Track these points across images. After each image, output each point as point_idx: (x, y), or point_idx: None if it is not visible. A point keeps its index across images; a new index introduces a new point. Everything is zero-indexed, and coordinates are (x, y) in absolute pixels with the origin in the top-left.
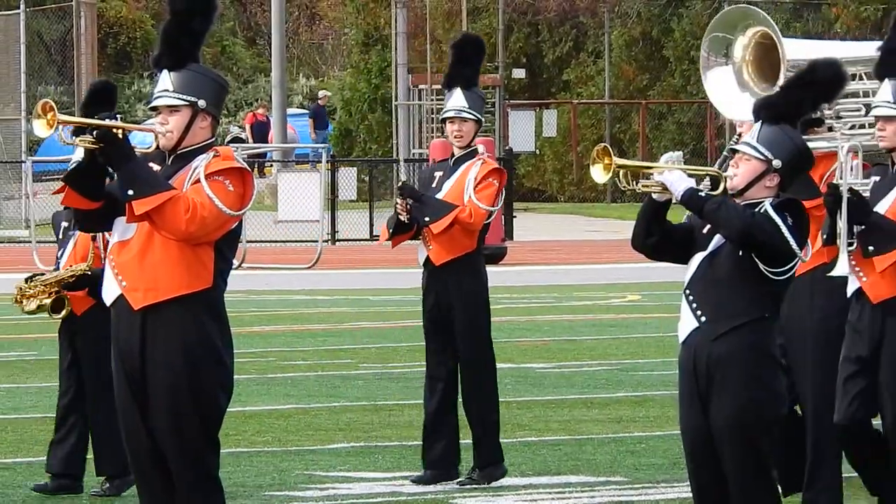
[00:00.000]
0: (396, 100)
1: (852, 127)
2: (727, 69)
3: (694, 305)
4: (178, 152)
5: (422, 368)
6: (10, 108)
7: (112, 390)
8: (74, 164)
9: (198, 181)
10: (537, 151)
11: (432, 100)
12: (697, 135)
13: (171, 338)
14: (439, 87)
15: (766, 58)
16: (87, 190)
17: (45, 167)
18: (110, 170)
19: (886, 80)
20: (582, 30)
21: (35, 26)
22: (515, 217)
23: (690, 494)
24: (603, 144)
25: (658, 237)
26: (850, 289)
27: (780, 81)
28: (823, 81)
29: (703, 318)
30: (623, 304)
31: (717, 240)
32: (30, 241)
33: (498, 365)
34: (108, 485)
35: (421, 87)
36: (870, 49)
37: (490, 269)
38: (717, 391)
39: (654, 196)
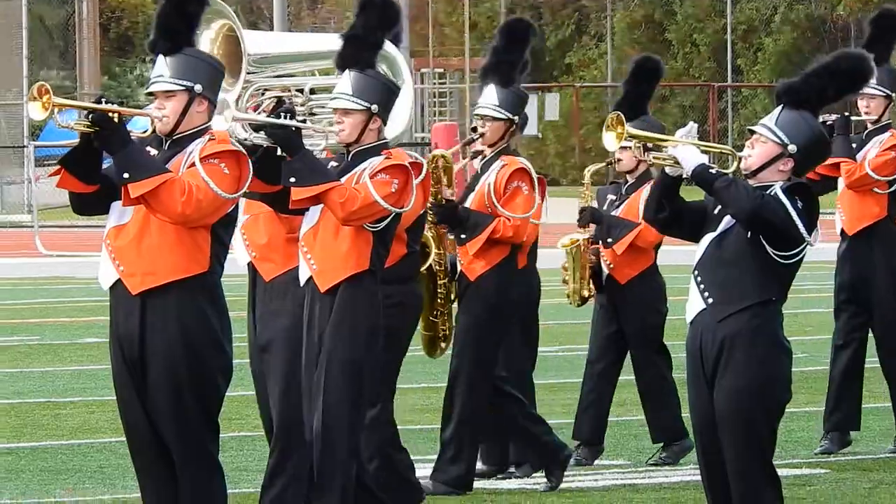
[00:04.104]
0: None
1: (330, 124)
2: None
3: (702, 287)
4: (175, 137)
5: (420, 353)
6: (13, 93)
7: (657, 354)
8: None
9: (193, 164)
10: (539, 135)
11: (434, 83)
12: (700, 117)
13: (169, 322)
14: (441, 70)
15: (235, 52)
16: (83, 173)
17: (48, 152)
18: (106, 153)
19: (347, 71)
20: (584, 13)
21: (37, 11)
22: None
23: (693, 477)
24: (617, 112)
25: (669, 212)
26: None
27: (243, 76)
28: (848, 72)
29: (709, 300)
30: None
31: (727, 221)
32: (32, 226)
33: None
34: (663, 453)
35: (423, 70)
36: (334, 42)
37: None
38: (720, 373)
39: (667, 170)
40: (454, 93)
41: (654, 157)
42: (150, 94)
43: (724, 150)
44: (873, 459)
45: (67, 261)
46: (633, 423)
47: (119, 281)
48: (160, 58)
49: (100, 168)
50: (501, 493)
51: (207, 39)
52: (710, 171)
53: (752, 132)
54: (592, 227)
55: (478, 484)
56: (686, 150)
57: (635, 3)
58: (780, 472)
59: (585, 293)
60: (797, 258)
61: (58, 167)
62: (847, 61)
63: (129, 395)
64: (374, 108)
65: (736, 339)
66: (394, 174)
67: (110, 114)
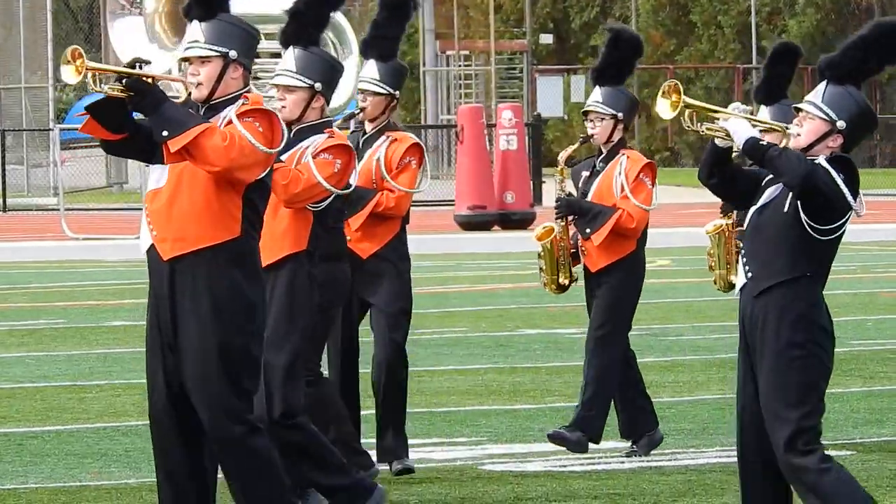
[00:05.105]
0: (424, 66)
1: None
2: (139, 20)
3: (744, 260)
4: (211, 103)
5: (451, 335)
6: (38, 76)
7: None
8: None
9: (230, 122)
10: (566, 117)
11: (460, 65)
12: (725, 100)
13: (199, 289)
14: (467, 52)
15: (179, 11)
16: (109, 123)
17: (73, 135)
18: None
19: (291, 48)
20: None
21: None
22: (544, 182)
23: (718, 459)
24: (674, 81)
25: (719, 179)
26: None
27: (187, 36)
28: (886, 42)
29: (749, 274)
30: (652, 268)
31: (768, 195)
32: (58, 209)
33: (527, 331)
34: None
35: (448, 52)
36: (281, 5)
37: (519, 233)
38: (759, 349)
39: (716, 141)
40: (480, 75)
41: (706, 129)
42: (185, 59)
43: (775, 127)
44: None
45: (93, 244)
46: (659, 406)
47: (153, 245)
48: (195, 23)
49: (127, 119)
50: (528, 475)
51: None
52: (761, 143)
53: (799, 110)
54: (734, 213)
55: (504, 466)
56: (738, 124)
57: None
58: None
59: (732, 278)
60: (837, 233)
61: (84, 110)
62: (884, 30)
63: (155, 358)
64: (318, 86)
65: (769, 315)
66: (336, 154)
67: (144, 78)
